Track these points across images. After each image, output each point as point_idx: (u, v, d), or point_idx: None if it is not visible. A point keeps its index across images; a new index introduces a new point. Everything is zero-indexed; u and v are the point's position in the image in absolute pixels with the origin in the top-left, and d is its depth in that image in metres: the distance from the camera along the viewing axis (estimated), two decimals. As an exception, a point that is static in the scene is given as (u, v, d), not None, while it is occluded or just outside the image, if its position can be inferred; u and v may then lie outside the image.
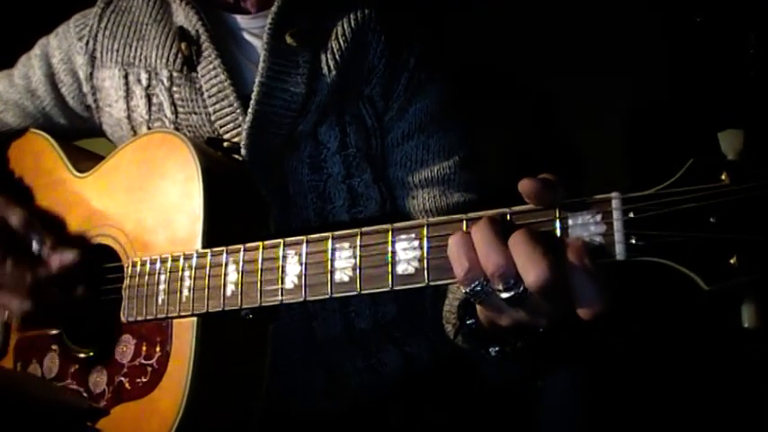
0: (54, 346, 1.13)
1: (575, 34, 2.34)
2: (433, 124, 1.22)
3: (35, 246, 1.10)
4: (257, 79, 1.13)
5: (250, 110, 1.12)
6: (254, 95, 1.13)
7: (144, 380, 1.01)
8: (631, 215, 0.70)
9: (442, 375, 1.25)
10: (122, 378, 1.03)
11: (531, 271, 0.70)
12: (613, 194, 0.71)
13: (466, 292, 0.76)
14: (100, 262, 1.13)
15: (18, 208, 1.13)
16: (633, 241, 0.69)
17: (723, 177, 0.67)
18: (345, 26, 1.17)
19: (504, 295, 0.74)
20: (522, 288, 0.73)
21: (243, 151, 1.13)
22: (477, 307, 0.82)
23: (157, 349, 1.00)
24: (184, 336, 0.97)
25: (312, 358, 1.17)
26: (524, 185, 0.74)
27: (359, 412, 1.20)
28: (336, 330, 1.19)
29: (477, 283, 0.75)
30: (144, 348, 1.02)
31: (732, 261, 0.66)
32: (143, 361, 1.01)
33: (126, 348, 1.04)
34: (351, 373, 1.19)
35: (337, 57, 1.16)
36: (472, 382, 1.28)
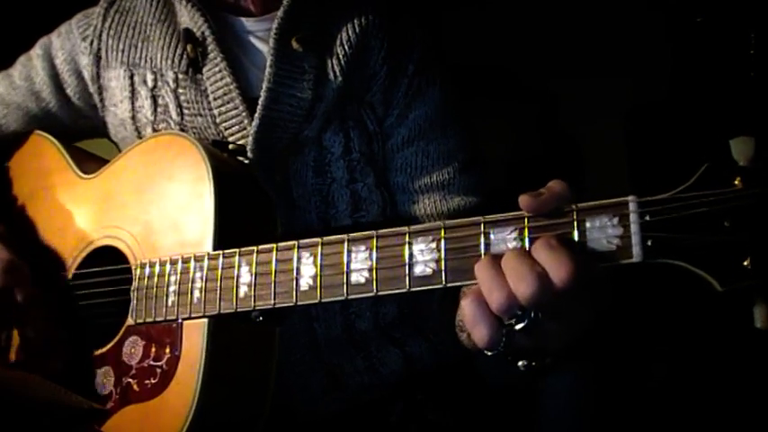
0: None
1: (577, 34, 2.35)
2: (432, 130, 1.21)
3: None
4: (264, 84, 1.12)
5: (257, 115, 1.12)
6: (261, 101, 1.12)
7: (153, 381, 1.00)
8: (648, 218, 0.71)
9: (442, 375, 1.25)
10: (130, 380, 1.03)
11: (561, 268, 0.72)
12: (630, 198, 0.73)
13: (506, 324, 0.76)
14: (107, 263, 1.12)
15: (28, 287, 1.12)
16: (650, 243, 0.71)
17: (736, 182, 0.69)
18: (350, 31, 1.16)
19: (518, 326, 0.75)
20: (531, 315, 0.74)
21: (249, 154, 1.12)
22: None
23: (167, 351, 1.00)
24: (194, 337, 0.97)
25: (313, 359, 1.17)
26: (523, 202, 0.76)
27: (359, 412, 1.20)
28: (337, 331, 1.19)
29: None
30: (153, 350, 1.01)
31: (746, 263, 0.68)
32: (152, 362, 1.01)
33: (134, 350, 1.04)
34: (351, 373, 1.19)
35: (343, 62, 1.15)
36: (473, 381, 1.28)
